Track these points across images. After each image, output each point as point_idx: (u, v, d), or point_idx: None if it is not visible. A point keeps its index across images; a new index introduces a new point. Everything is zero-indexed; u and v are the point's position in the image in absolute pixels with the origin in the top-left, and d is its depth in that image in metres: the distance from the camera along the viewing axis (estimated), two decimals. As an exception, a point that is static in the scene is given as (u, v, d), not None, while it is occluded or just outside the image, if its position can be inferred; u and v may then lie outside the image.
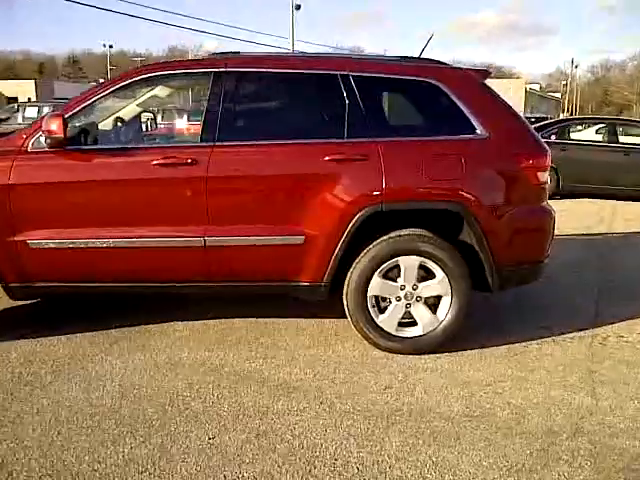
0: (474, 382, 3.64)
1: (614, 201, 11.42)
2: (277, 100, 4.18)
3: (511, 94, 58.84)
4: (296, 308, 4.64)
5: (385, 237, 3.89)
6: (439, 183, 3.85)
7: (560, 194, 11.72)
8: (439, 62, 4.19)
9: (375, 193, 3.80)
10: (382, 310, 3.99)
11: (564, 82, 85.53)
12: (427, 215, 3.97)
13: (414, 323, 3.99)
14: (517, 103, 60.41)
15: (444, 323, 3.95)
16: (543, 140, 4.23)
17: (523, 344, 4.23)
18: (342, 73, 3.95)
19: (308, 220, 3.85)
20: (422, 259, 3.89)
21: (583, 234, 8.29)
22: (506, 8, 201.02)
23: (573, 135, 13.12)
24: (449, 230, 4.01)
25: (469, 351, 4.06)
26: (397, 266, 3.91)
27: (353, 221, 3.81)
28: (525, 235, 4.05)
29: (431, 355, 3.97)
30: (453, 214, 3.88)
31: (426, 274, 3.94)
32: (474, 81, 4.10)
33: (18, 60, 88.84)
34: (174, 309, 4.71)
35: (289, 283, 4.00)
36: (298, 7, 37.93)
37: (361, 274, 3.89)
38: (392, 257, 3.88)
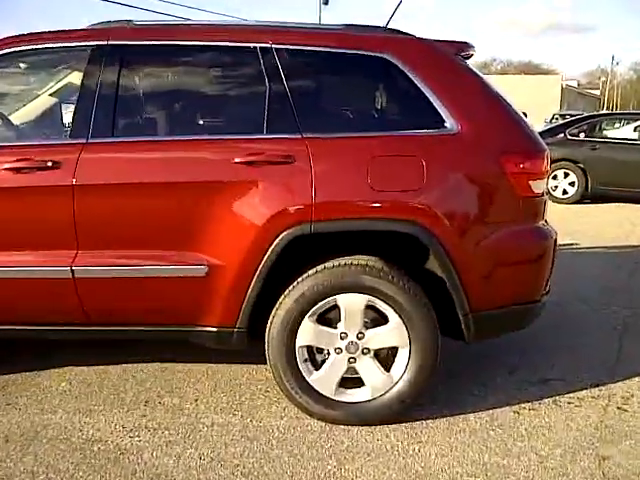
0: (432, 476, 2.59)
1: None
2: (175, 83, 3.13)
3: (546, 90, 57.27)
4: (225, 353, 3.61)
5: (318, 268, 2.86)
6: (389, 195, 2.80)
7: (589, 198, 10.54)
8: (398, 32, 3.12)
9: (302, 208, 2.78)
10: (318, 366, 2.97)
11: (603, 79, 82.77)
12: (377, 238, 2.93)
13: (361, 383, 2.96)
14: (553, 100, 58.59)
15: (401, 384, 2.91)
16: (571, 138, 3.11)
17: (511, 409, 3.15)
18: (262, 46, 2.92)
19: (212, 245, 2.85)
20: (369, 298, 2.85)
21: (608, 247, 7.08)
22: (549, 5, 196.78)
23: (606, 132, 11.90)
24: (411, 257, 2.98)
25: (433, 421, 3.01)
26: (336, 307, 2.89)
27: (273, 246, 2.79)
28: (513, 266, 2.96)
29: (381, 427, 2.93)
30: (411, 237, 2.83)
31: (380, 317, 2.91)
32: (445, 57, 3.02)
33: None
34: (66, 351, 3.70)
35: (190, 328, 3.00)
36: (326, 2, 37.02)
37: (286, 318, 2.87)
38: (328, 295, 2.85)
